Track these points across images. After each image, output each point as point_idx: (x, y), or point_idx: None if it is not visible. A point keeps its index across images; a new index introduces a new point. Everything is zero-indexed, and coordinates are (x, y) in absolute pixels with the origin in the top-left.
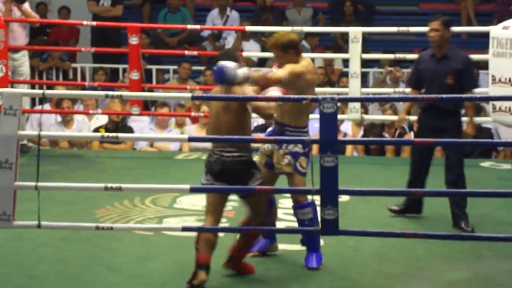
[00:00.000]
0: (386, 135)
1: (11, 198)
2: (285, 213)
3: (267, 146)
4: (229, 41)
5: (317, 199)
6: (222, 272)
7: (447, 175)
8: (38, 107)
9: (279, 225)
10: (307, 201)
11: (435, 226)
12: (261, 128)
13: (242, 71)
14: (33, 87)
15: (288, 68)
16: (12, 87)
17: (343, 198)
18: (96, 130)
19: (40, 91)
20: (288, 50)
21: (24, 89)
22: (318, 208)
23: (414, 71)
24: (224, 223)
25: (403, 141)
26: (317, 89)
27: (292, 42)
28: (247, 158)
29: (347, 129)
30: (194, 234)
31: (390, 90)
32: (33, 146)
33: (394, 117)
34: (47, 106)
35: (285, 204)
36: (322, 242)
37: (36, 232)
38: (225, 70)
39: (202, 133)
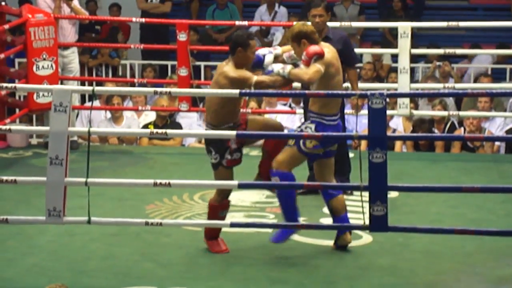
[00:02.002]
0: (436, 130)
1: (62, 194)
2: None
3: None
4: (277, 37)
5: (365, 195)
6: (270, 266)
7: None
8: (87, 104)
9: (328, 221)
10: (286, 171)
11: (485, 222)
12: None
13: (277, 67)
14: (82, 84)
15: (320, 61)
16: (62, 83)
17: (392, 194)
18: (145, 126)
19: (90, 88)
20: (301, 41)
21: (74, 85)
22: (366, 204)
23: None
24: (272, 219)
25: (453, 136)
26: (366, 85)
27: (300, 33)
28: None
29: (398, 124)
30: (242, 229)
31: (440, 85)
32: (83, 143)
33: (444, 113)
34: (96, 103)
35: None
36: (370, 238)
37: (86, 228)
38: (263, 59)
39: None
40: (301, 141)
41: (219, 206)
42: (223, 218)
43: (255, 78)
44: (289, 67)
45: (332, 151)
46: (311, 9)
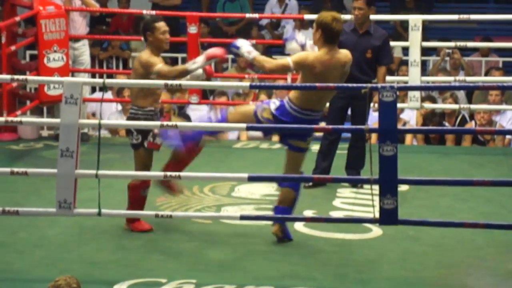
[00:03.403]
0: (447, 123)
1: (72, 186)
2: (343, 202)
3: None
4: (288, 29)
5: (375, 188)
6: (280, 259)
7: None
8: (97, 95)
9: (337, 214)
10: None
11: (496, 215)
12: None
13: (247, 48)
14: (93, 76)
15: (296, 57)
16: (72, 76)
17: (402, 188)
18: None
19: (101, 80)
20: (318, 29)
21: (85, 78)
22: (376, 198)
23: None
24: None
25: (464, 130)
26: None
27: (321, 23)
28: (132, 115)
29: (412, 117)
30: (252, 222)
31: (451, 78)
32: (93, 135)
33: (455, 106)
34: (107, 95)
35: (343, 194)
36: (381, 231)
37: (96, 220)
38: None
39: None
40: (259, 108)
41: (139, 185)
42: (144, 197)
43: (158, 66)
44: (255, 53)
45: (297, 147)
46: (353, 1)
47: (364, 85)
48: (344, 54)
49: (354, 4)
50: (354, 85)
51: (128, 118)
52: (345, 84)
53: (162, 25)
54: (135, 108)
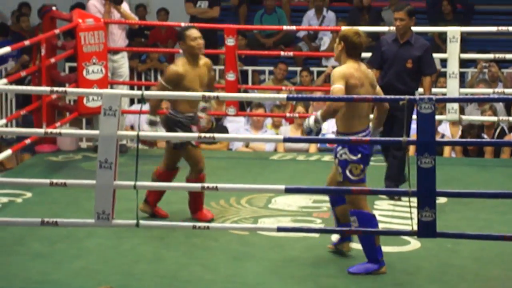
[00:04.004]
0: (485, 136)
1: (111, 197)
2: (381, 214)
3: None
4: (325, 41)
5: (414, 200)
6: (318, 272)
7: None
8: (136, 107)
9: None
10: (363, 210)
11: None
12: None
13: (313, 121)
14: (132, 88)
15: (337, 77)
16: (111, 88)
17: (441, 200)
18: None
19: (139, 92)
20: (340, 43)
21: (123, 90)
22: (414, 210)
23: (377, 52)
24: (319, 223)
25: (503, 142)
26: None
27: (343, 37)
28: (171, 117)
29: (445, 130)
30: (289, 234)
31: (489, 90)
32: (131, 146)
33: (494, 118)
34: (145, 107)
35: (381, 206)
36: (419, 244)
37: (134, 231)
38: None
39: (297, 134)
40: (347, 173)
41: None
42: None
43: (162, 81)
44: (318, 114)
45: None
46: (394, 12)
47: (403, 97)
48: (369, 70)
49: (395, 15)
50: (392, 97)
51: (168, 119)
52: (383, 96)
53: (192, 32)
54: (174, 112)
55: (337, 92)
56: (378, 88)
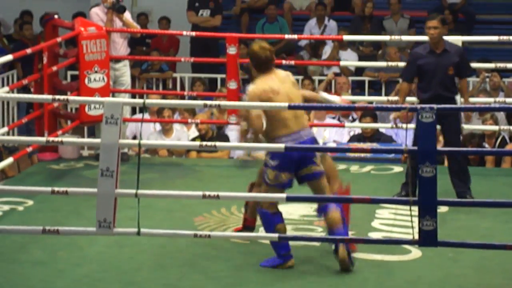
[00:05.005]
0: (486, 145)
1: (112, 205)
2: (382, 223)
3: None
4: (326, 50)
5: (415, 209)
6: (319, 280)
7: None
8: (137, 116)
9: (376, 235)
10: (270, 211)
11: None
12: (357, 138)
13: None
14: (133, 97)
15: (251, 116)
16: (113, 96)
17: (442, 209)
18: (194, 139)
19: (141, 100)
20: (251, 62)
21: (125, 98)
22: (415, 219)
23: (411, 67)
24: (320, 232)
25: (504, 151)
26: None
27: (250, 54)
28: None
29: None
30: (290, 243)
31: (490, 99)
32: (133, 155)
33: (495, 127)
34: (146, 115)
35: (382, 215)
36: (420, 253)
37: (136, 239)
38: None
39: None
40: (264, 176)
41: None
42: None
43: None
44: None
45: (308, 174)
46: (427, 21)
47: (404, 105)
48: (285, 73)
49: (429, 24)
50: (394, 105)
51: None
52: (384, 105)
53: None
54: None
55: (256, 116)
56: (301, 90)
